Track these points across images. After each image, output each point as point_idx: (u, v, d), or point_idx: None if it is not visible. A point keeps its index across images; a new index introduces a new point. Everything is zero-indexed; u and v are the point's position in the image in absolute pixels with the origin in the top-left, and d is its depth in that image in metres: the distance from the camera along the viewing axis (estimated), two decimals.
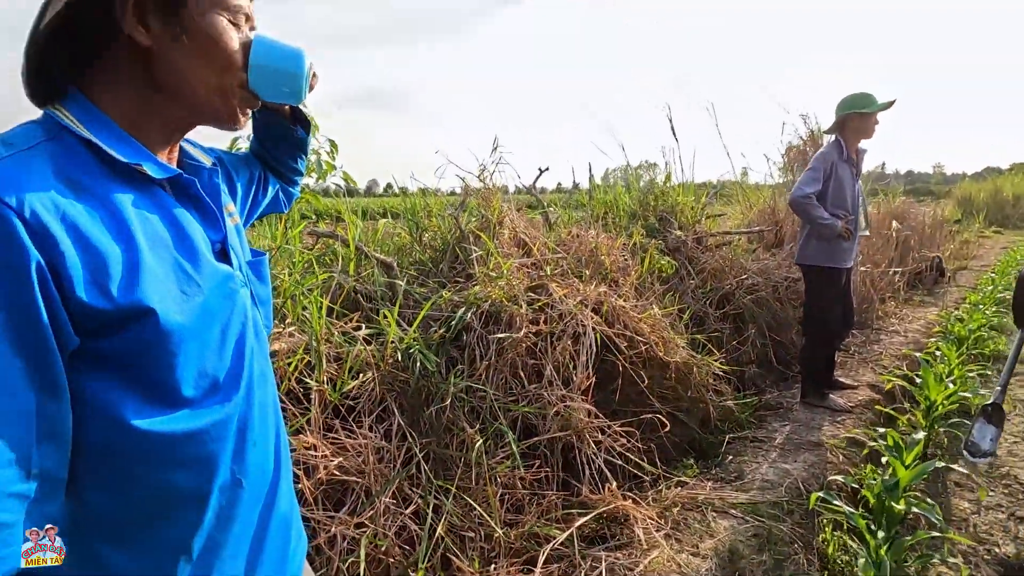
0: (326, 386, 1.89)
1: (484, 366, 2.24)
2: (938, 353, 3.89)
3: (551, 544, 1.86)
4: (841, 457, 2.67)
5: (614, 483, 2.16)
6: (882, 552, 1.83)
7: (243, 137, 2.07)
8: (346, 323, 2.09)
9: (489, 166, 3.13)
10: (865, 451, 2.72)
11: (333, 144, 3.14)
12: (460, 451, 2.03)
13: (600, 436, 2.30)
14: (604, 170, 5.24)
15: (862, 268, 5.17)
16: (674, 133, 4.68)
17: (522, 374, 2.33)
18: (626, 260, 3.25)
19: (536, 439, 2.21)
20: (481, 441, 2.02)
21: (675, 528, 2.02)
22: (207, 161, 0.78)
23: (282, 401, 1.67)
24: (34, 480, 0.53)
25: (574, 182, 4.90)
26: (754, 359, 3.84)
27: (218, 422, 0.65)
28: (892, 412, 3.12)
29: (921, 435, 2.31)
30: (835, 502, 2.02)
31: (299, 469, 1.67)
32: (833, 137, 3.28)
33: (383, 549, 1.69)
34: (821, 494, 2.05)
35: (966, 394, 3.21)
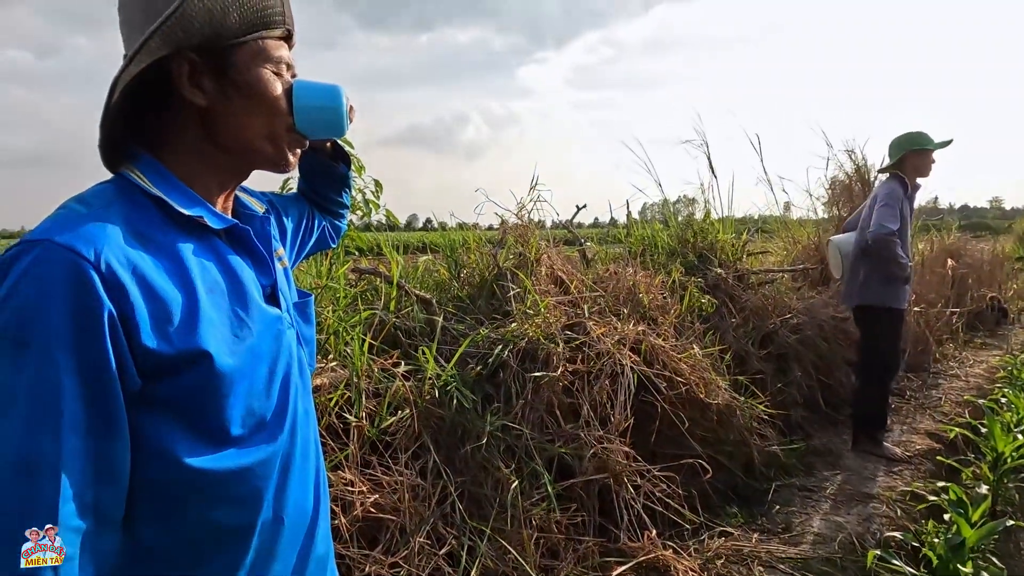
0: (365, 422, 1.92)
1: (520, 404, 2.23)
2: (1004, 400, 3.64)
3: None
4: (899, 511, 2.51)
5: (653, 530, 2.09)
6: None
7: (293, 177, 2.18)
8: (386, 359, 2.12)
9: (527, 203, 3.17)
10: (923, 506, 2.55)
11: (378, 184, 3.26)
12: (495, 491, 2.00)
13: (639, 480, 2.24)
14: (642, 205, 5.22)
15: (915, 308, 4.94)
16: (712, 167, 4.66)
17: (558, 413, 2.31)
18: (665, 298, 3.21)
19: (572, 481, 2.16)
20: (517, 482, 1.99)
21: None
22: (260, 208, 0.83)
23: (322, 436, 1.70)
24: (92, 517, 0.56)
25: (611, 217, 4.90)
26: (800, 402, 3.68)
27: (263, 460, 0.67)
28: (955, 464, 2.92)
29: (987, 490, 2.15)
30: (894, 561, 1.89)
31: (336, 505, 1.68)
32: (888, 175, 3.23)
33: None
34: (879, 552, 1.92)
35: None
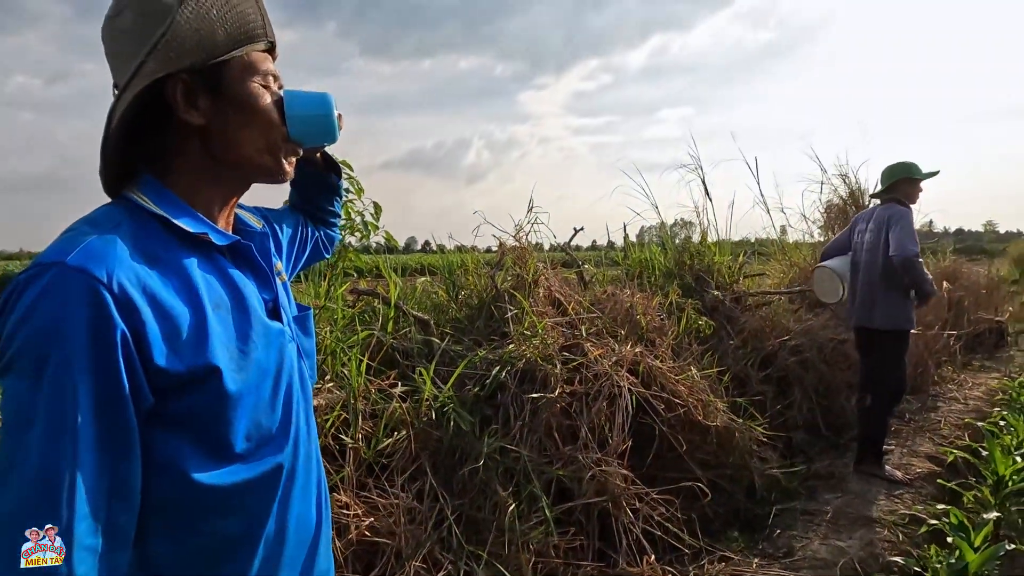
0: (361, 443, 1.91)
1: (518, 426, 2.22)
2: (1003, 423, 3.62)
3: None
4: (901, 536, 2.48)
5: (652, 555, 2.06)
6: None
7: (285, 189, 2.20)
8: (383, 380, 2.12)
9: (525, 226, 3.20)
10: (926, 530, 2.52)
11: (376, 206, 3.30)
12: (493, 514, 1.98)
13: (638, 503, 2.21)
14: (639, 228, 5.27)
15: (913, 331, 4.95)
16: (706, 191, 4.71)
17: (556, 435, 2.29)
18: (662, 320, 3.22)
19: (571, 504, 2.14)
20: (514, 505, 1.97)
21: None
22: (258, 224, 0.85)
23: None
24: (106, 535, 0.56)
25: (609, 240, 4.94)
26: (800, 424, 3.66)
27: (269, 473, 0.68)
28: (956, 487, 2.90)
29: (992, 515, 2.13)
30: None
31: (331, 528, 1.66)
32: (883, 201, 3.34)
33: None
34: None
35: None
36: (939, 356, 5.31)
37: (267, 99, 0.72)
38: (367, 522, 1.74)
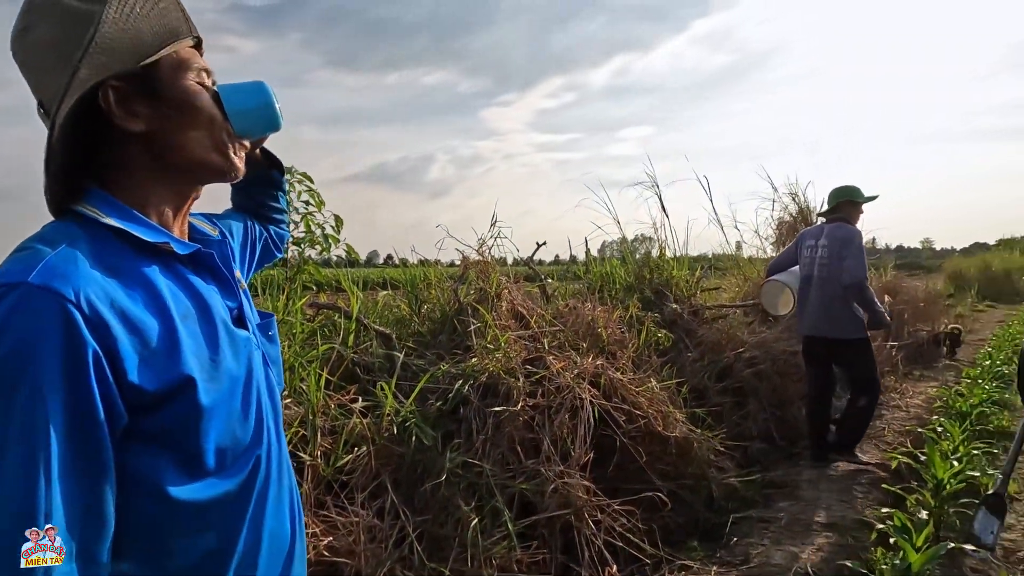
0: (320, 460, 1.86)
1: (481, 440, 2.21)
2: (940, 429, 3.82)
3: None
4: (850, 539, 2.57)
5: (614, 566, 2.07)
6: None
7: None
8: (343, 395, 2.08)
9: (488, 240, 3.22)
10: (875, 534, 2.62)
11: (338, 219, 3.26)
12: (455, 530, 1.96)
13: (599, 515, 2.23)
14: (601, 243, 5.39)
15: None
16: (663, 208, 4.85)
17: (519, 449, 2.29)
18: (623, 333, 3.28)
19: (534, 517, 2.14)
20: (477, 520, 1.96)
21: None
22: (213, 231, 0.82)
23: None
24: (80, 560, 0.54)
25: (571, 254, 5.02)
26: (756, 435, 3.77)
27: (243, 484, 0.67)
28: (899, 492, 3.03)
29: (930, 516, 2.24)
30: None
31: (305, 540, 1.61)
32: (833, 220, 3.64)
33: None
34: None
35: (974, 473, 3.16)
36: (882, 366, 5.57)
37: (205, 96, 0.70)
38: (325, 541, 1.69)
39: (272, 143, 1.00)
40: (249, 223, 1.04)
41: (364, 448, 1.97)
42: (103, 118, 0.64)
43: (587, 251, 4.84)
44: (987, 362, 6.54)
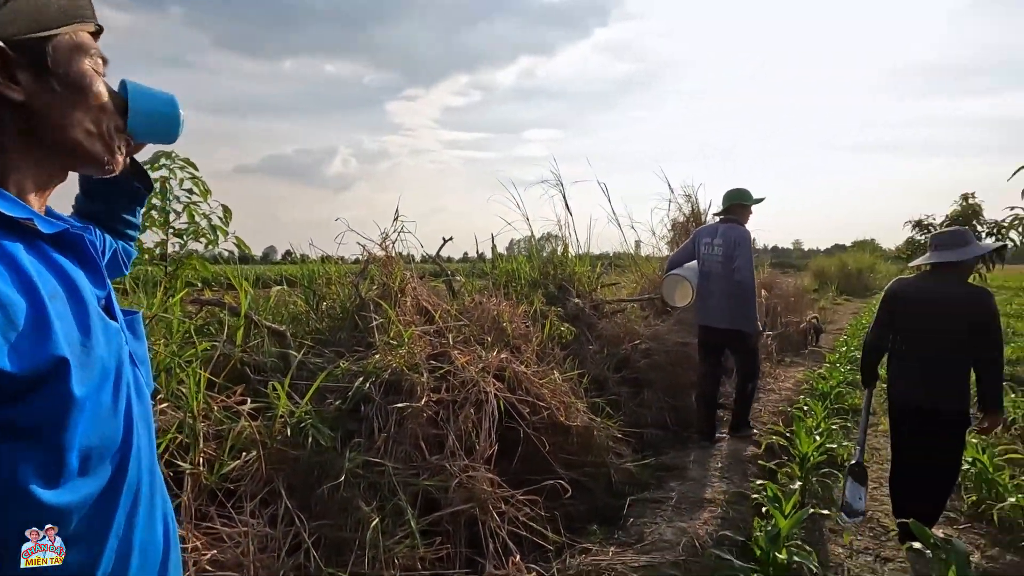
0: (202, 468, 1.72)
1: (383, 438, 2.16)
2: (806, 408, 4.29)
3: None
4: (731, 512, 2.80)
5: (518, 555, 2.10)
6: None
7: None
8: (228, 397, 1.94)
9: (391, 234, 3.14)
10: (752, 504, 2.88)
11: (226, 209, 3.02)
12: (355, 532, 1.89)
13: (504, 506, 2.25)
14: (509, 241, 5.46)
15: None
16: (567, 207, 5.01)
17: (423, 445, 2.26)
18: (528, 327, 3.34)
19: (439, 513, 2.12)
20: (378, 520, 1.90)
21: None
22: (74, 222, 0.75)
23: None
24: None
25: (478, 252, 5.04)
26: (650, 422, 4.00)
27: (107, 489, 0.62)
28: (772, 467, 3.36)
29: (797, 485, 2.50)
30: (727, 556, 2.10)
31: (180, 551, 1.47)
32: (719, 219, 4.04)
33: None
34: (715, 551, 2.13)
35: (833, 445, 3.61)
36: (760, 355, 6.15)
37: (101, 84, 0.68)
38: (208, 555, 1.56)
39: None
40: (99, 231, 0.96)
41: (254, 453, 1.85)
42: None
43: (493, 247, 4.88)
44: (843, 348, 7.44)
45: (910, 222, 11.71)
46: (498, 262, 4.57)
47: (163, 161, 2.78)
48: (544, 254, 4.86)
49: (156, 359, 1.85)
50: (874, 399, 3.14)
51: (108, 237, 0.97)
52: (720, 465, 3.42)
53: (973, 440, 3.45)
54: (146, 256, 2.85)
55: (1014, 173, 4.22)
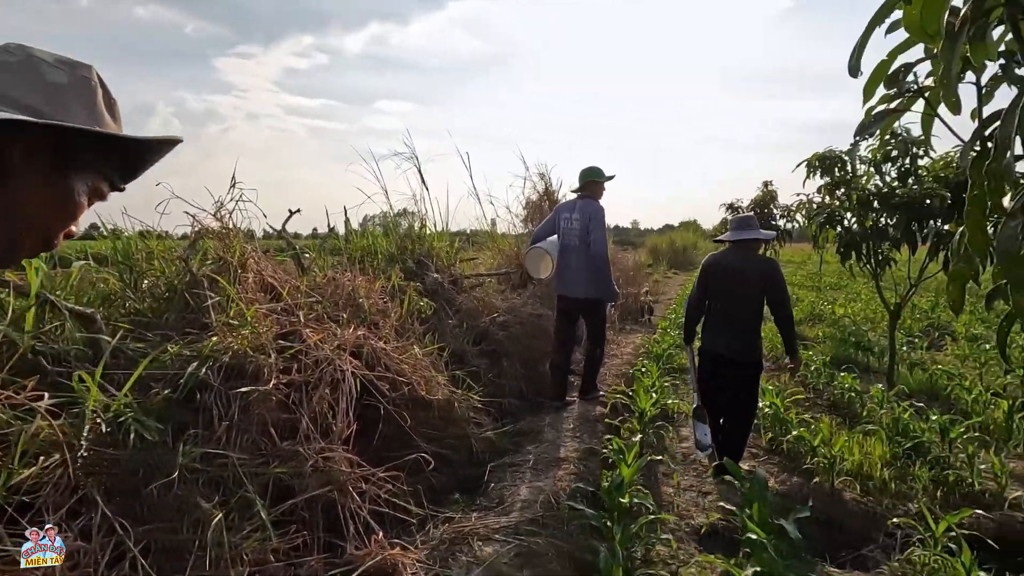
0: None
1: (224, 427, 1.95)
2: (644, 370, 4.78)
3: None
4: (582, 468, 3.04)
5: (380, 532, 2.07)
6: (616, 544, 2.12)
7: None
8: (17, 393, 1.60)
9: (228, 204, 2.81)
10: (601, 458, 3.15)
11: None
12: (194, 533, 1.70)
13: (364, 485, 2.19)
14: (363, 216, 5.21)
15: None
16: (423, 181, 4.93)
17: (273, 431, 2.10)
18: (386, 303, 3.24)
19: (292, 501, 1.99)
20: (221, 516, 1.73)
21: (444, 565, 2.02)
22: None
23: None
24: None
25: (330, 227, 4.74)
26: (509, 391, 4.16)
27: None
28: (616, 424, 3.70)
29: (637, 438, 2.79)
30: (579, 507, 2.28)
31: None
32: (577, 195, 4.23)
33: None
34: (569, 503, 2.30)
35: (667, 401, 4.09)
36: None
37: (83, 211, 0.69)
38: None
39: None
40: None
41: (57, 456, 1.56)
42: None
43: (347, 221, 4.62)
44: (672, 315, 8.40)
45: (724, 205, 13.56)
46: (352, 237, 4.36)
47: None
48: (401, 229, 4.73)
49: None
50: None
51: None
52: (572, 426, 3.68)
53: (769, 387, 4.14)
54: None
55: (796, 166, 5.08)
